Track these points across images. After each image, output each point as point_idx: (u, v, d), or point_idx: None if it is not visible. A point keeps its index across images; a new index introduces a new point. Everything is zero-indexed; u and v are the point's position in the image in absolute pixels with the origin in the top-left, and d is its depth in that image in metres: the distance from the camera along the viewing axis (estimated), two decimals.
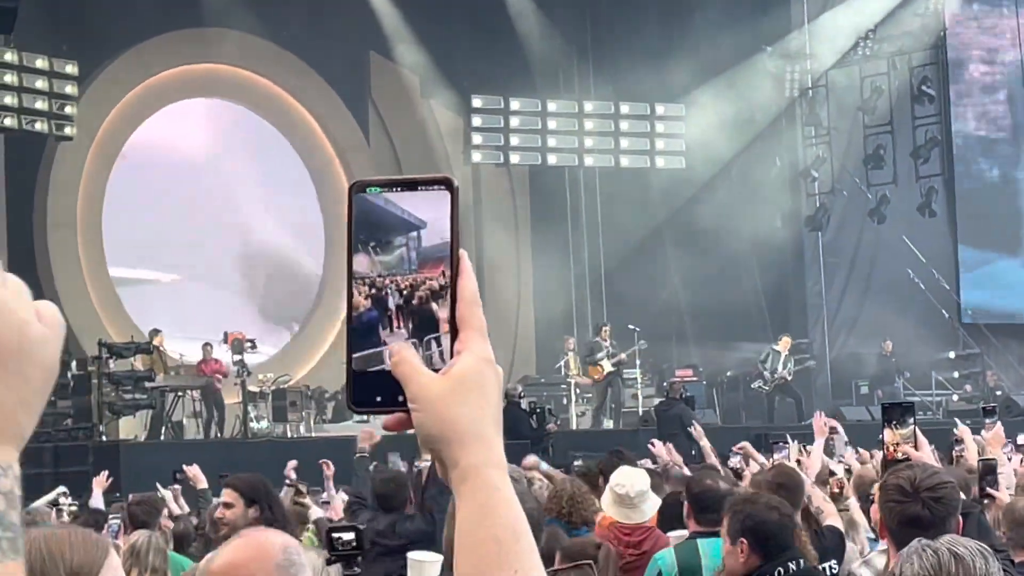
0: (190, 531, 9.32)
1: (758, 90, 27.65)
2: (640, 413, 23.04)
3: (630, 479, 7.96)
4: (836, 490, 8.12)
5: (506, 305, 27.57)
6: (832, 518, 7.20)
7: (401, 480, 9.03)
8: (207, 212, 25.44)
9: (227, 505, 6.11)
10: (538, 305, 27.44)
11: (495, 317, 27.53)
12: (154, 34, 24.64)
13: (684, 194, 27.15)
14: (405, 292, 1.57)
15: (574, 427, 22.96)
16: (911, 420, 5.23)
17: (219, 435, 20.85)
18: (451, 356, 1.55)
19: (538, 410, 19.78)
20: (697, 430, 13.27)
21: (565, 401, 23.56)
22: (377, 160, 27.24)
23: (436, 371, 1.54)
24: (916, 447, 5.17)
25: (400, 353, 1.54)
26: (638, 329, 23.63)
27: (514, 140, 27.45)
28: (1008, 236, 28.55)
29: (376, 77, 27.27)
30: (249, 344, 21.21)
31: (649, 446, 12.59)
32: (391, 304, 1.57)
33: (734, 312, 26.32)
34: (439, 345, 1.56)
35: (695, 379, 24.21)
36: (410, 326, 1.56)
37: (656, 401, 21.97)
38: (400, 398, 1.55)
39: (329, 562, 4.75)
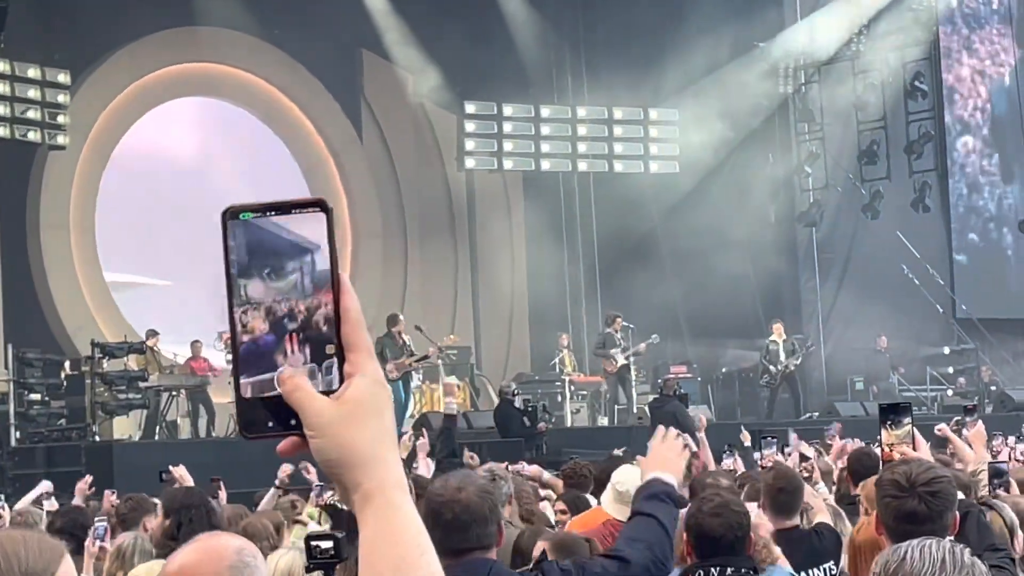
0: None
1: (751, 88, 27.58)
2: (635, 410, 23.01)
3: (631, 477, 7.92)
4: (805, 475, 8.29)
5: (501, 302, 27.54)
6: (821, 514, 7.15)
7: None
8: (200, 211, 25.32)
9: (156, 515, 7.05)
10: (532, 303, 27.40)
11: (491, 316, 27.52)
12: (144, 34, 24.56)
13: (678, 194, 27.10)
14: (301, 317, 1.55)
15: (569, 425, 22.93)
16: (907, 420, 5.21)
17: (211, 434, 20.79)
18: (341, 380, 1.55)
19: (530, 408, 19.73)
20: (700, 422, 13.05)
21: (560, 399, 23.53)
22: (370, 158, 27.20)
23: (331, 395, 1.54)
24: (914, 447, 5.15)
25: (293, 380, 1.55)
26: (633, 327, 23.61)
27: (507, 146, 27.33)
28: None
29: (368, 75, 27.21)
30: None
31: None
32: (287, 329, 1.55)
33: (728, 309, 26.27)
34: (340, 370, 1.55)
35: (689, 376, 24.18)
36: (307, 351, 1.55)
37: (651, 398, 21.94)
38: (292, 422, 1.57)
39: (308, 570, 4.73)
